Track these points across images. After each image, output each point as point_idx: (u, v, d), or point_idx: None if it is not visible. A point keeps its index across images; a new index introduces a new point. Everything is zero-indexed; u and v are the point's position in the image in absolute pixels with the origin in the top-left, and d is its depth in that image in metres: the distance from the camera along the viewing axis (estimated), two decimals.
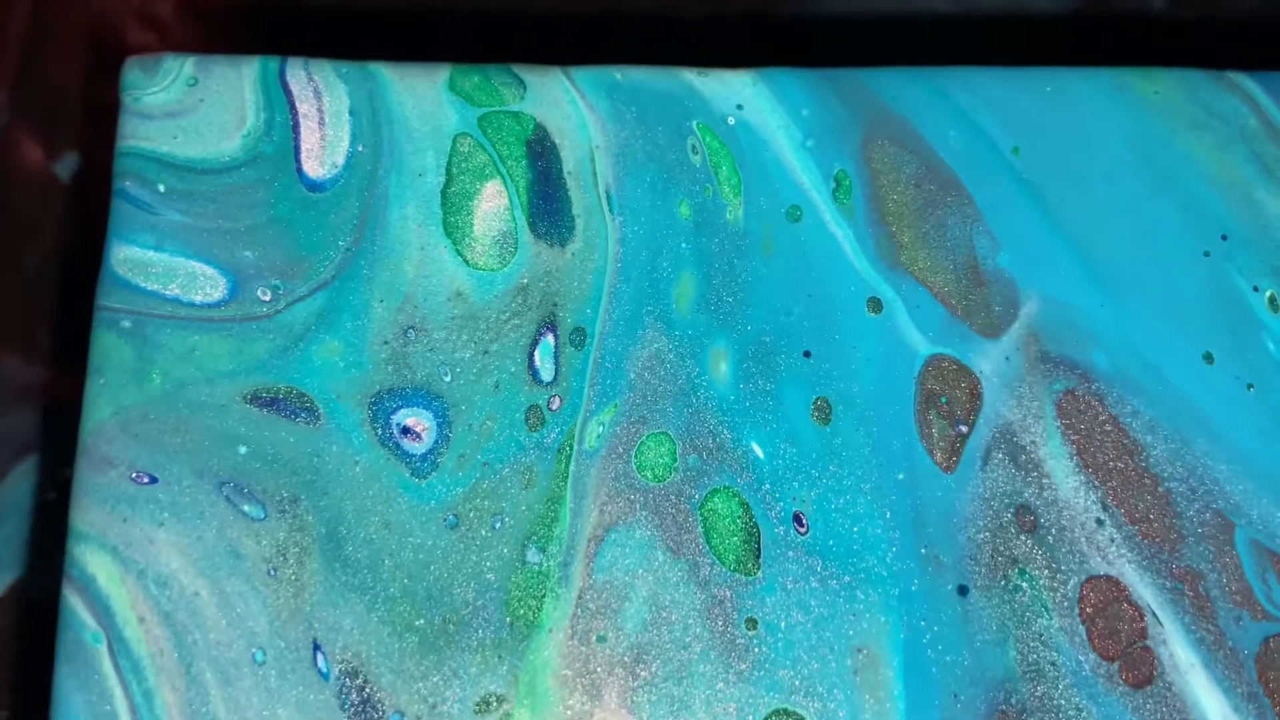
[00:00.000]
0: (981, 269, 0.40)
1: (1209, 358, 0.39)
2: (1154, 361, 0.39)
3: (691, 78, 0.42)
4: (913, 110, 0.42)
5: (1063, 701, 0.36)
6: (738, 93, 0.42)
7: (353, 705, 0.35)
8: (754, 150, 0.41)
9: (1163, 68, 0.44)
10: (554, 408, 0.38)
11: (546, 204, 0.40)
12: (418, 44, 0.54)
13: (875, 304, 0.40)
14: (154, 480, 0.37)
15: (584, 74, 0.42)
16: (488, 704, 0.35)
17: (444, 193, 0.40)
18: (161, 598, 0.36)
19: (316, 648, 0.35)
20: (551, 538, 0.37)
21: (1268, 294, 0.40)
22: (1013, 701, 0.36)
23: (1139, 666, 0.36)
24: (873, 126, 0.41)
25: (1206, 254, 0.41)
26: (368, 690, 0.35)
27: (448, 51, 0.44)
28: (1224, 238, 0.41)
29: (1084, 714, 0.36)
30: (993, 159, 0.41)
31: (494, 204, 0.40)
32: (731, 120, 0.41)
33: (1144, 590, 0.37)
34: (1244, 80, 0.43)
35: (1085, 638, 0.36)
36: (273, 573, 0.36)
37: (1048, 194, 0.41)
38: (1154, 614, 0.37)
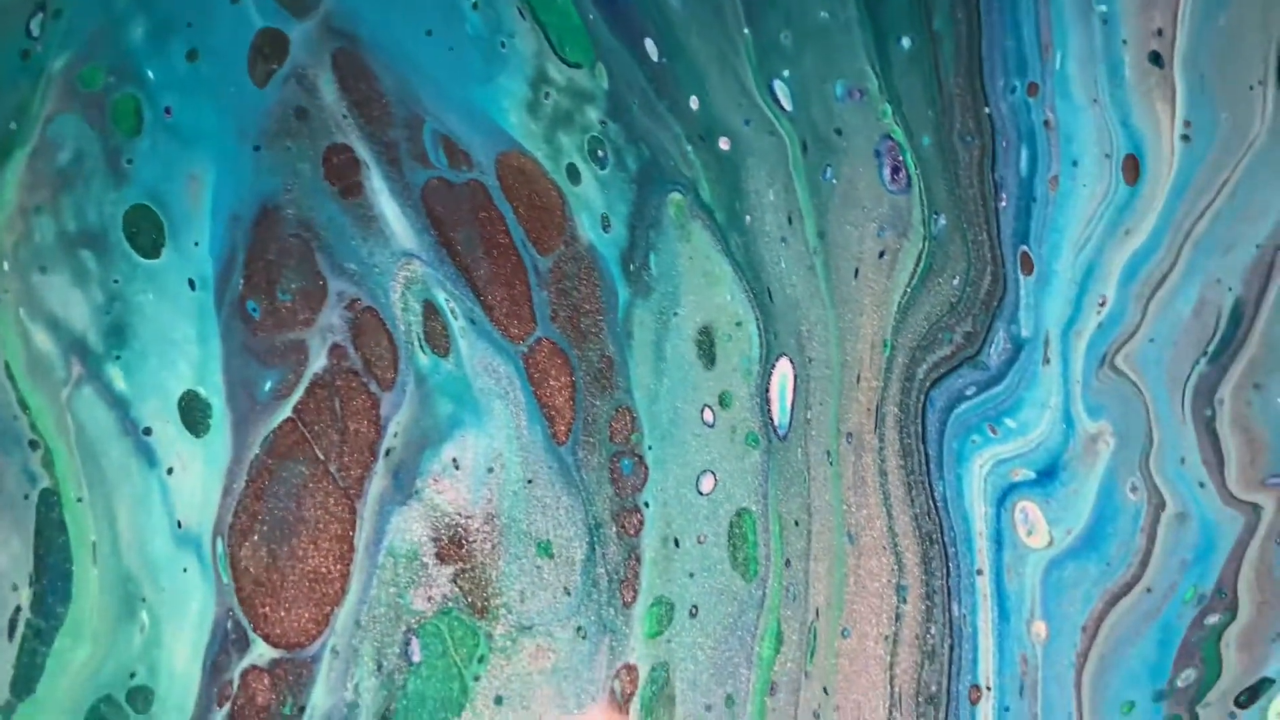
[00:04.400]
0: None
1: (430, 33, 0.68)
2: (397, 37, 0.68)
3: None
4: None
5: (306, 204, 0.65)
6: None
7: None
8: None
9: None
10: None
11: None
12: None
13: None
14: None
15: None
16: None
17: None
18: None
19: None
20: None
21: (472, 2, 0.69)
22: (278, 202, 0.64)
23: (354, 192, 0.65)
24: None
25: None
26: None
27: None
28: None
29: (318, 214, 0.64)
30: None
31: None
32: None
33: (363, 151, 0.66)
34: None
35: (324, 176, 0.65)
36: None
37: None
38: (368, 164, 0.65)
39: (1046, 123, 0.68)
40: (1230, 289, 0.66)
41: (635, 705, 0.61)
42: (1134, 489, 0.65)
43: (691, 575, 0.63)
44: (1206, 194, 0.67)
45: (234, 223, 0.64)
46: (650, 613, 0.62)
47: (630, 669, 0.62)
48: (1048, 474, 0.64)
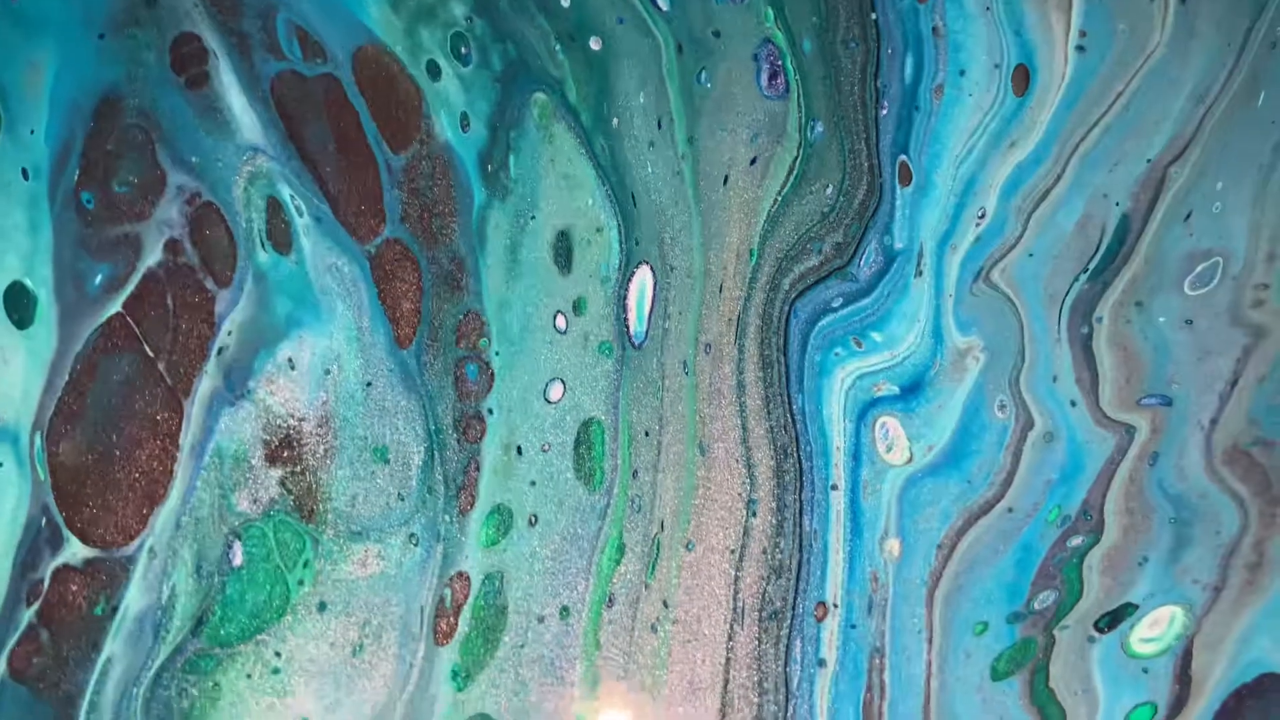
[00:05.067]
0: None
1: None
2: None
3: None
4: None
5: (149, 95, 0.62)
6: None
7: None
8: None
9: None
10: None
11: None
12: None
13: None
14: None
15: None
16: None
17: None
18: None
19: None
20: None
21: None
22: (120, 92, 0.62)
23: (200, 82, 0.62)
24: None
25: None
26: None
27: None
28: None
29: (160, 105, 0.62)
30: None
31: None
32: None
33: (213, 41, 0.63)
34: None
35: (170, 66, 0.62)
36: None
37: None
38: (216, 54, 0.63)
39: (935, 30, 0.65)
40: (1117, 204, 0.63)
41: (466, 614, 0.59)
42: (1002, 406, 0.62)
43: (533, 484, 0.60)
44: (1098, 107, 0.63)
45: (73, 111, 0.61)
46: (488, 520, 0.60)
47: (462, 577, 0.59)
48: (912, 389, 0.61)
